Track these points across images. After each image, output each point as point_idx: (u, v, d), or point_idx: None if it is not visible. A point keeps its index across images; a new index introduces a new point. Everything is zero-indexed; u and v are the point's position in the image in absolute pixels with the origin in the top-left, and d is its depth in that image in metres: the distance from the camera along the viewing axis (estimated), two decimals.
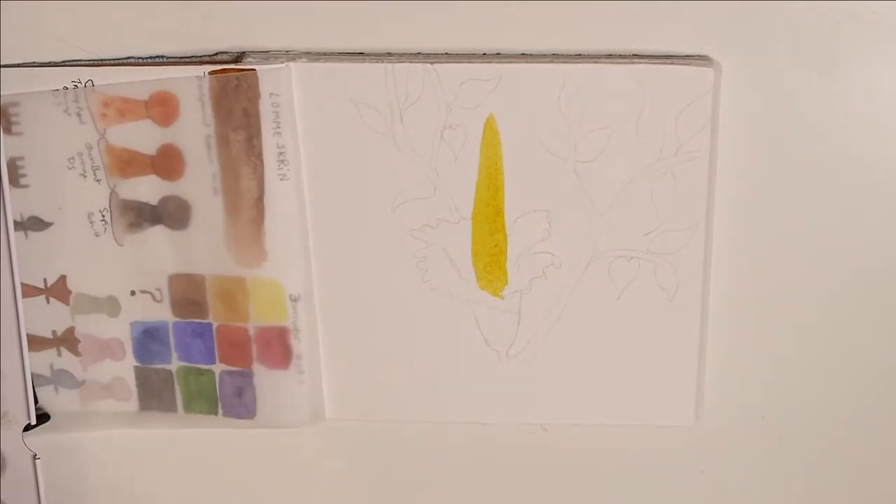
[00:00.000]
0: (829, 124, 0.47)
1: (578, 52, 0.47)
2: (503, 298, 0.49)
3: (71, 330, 0.50)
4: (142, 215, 0.48)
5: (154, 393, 0.52)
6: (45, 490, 0.48)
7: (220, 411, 0.52)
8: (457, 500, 0.53)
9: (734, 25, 0.46)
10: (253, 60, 0.46)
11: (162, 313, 0.50)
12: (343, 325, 0.50)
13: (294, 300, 0.49)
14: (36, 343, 0.50)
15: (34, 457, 0.48)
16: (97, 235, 0.49)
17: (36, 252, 0.49)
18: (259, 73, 0.46)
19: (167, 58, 0.47)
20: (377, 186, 0.48)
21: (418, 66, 0.46)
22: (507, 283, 0.49)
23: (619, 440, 0.52)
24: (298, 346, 0.50)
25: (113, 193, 0.48)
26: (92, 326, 0.50)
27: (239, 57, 0.47)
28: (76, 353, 0.50)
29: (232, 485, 0.54)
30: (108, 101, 0.47)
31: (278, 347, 0.50)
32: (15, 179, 0.47)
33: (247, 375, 0.51)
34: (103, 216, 0.48)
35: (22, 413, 0.48)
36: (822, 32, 0.46)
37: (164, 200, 0.48)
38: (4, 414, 0.48)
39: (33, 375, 0.50)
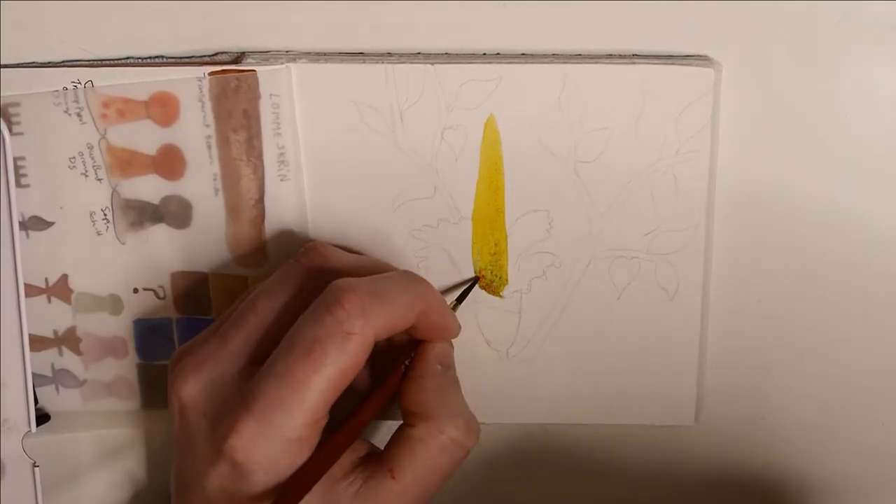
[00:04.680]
0: (829, 124, 0.47)
1: (578, 52, 0.47)
2: (503, 298, 0.49)
3: (72, 329, 0.50)
4: (143, 214, 0.48)
5: (157, 391, 0.52)
6: (44, 496, 0.48)
7: None
8: (457, 500, 0.53)
9: (734, 25, 0.46)
10: (253, 61, 0.46)
11: (165, 310, 0.50)
12: None
13: None
14: (37, 343, 0.50)
15: (34, 465, 0.48)
16: (99, 234, 0.49)
17: (37, 252, 0.49)
18: (259, 74, 0.46)
19: (167, 58, 0.47)
20: (377, 187, 0.48)
21: (418, 67, 0.46)
22: (507, 283, 0.49)
23: (619, 440, 0.52)
24: None
25: (114, 193, 0.48)
26: (94, 325, 0.50)
27: (239, 57, 0.47)
28: (77, 352, 0.50)
29: None
30: (109, 102, 0.47)
31: None
32: (16, 179, 0.48)
33: None
34: (105, 215, 0.48)
35: (23, 420, 0.48)
36: (822, 32, 0.45)
37: (166, 200, 0.48)
38: (4, 421, 0.48)
39: (34, 376, 0.50)
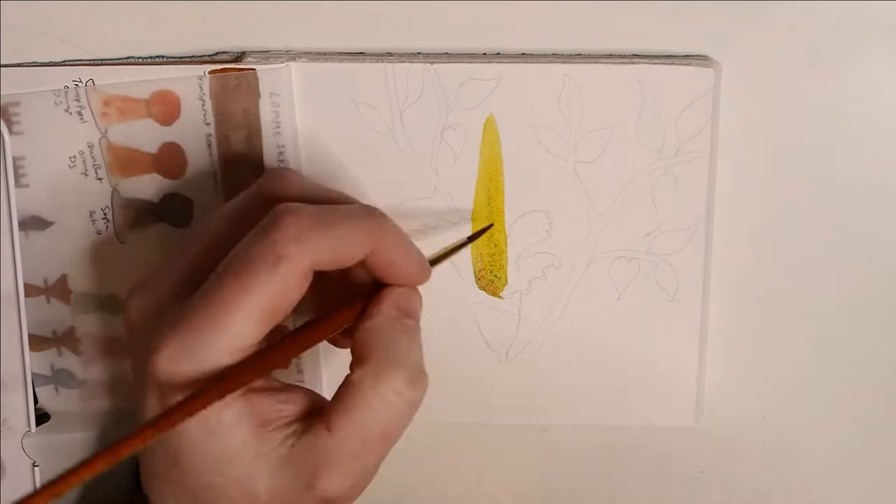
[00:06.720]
0: (829, 124, 0.47)
1: (578, 52, 0.47)
2: (503, 299, 0.49)
3: (71, 329, 0.50)
4: (143, 213, 0.48)
5: None
6: None
7: None
8: (457, 500, 0.53)
9: (734, 25, 0.46)
10: (253, 60, 0.46)
11: None
12: None
13: None
14: (36, 343, 0.50)
15: (34, 465, 0.48)
16: (99, 234, 0.49)
17: (36, 252, 0.49)
18: (259, 73, 0.46)
19: (167, 57, 0.47)
20: (377, 186, 0.48)
21: (418, 66, 0.46)
22: (507, 284, 0.49)
23: (619, 440, 0.52)
24: None
25: (114, 192, 0.48)
26: (93, 325, 0.50)
27: (239, 57, 0.47)
28: (77, 352, 0.50)
29: None
30: (109, 100, 0.47)
31: None
32: (16, 179, 0.47)
33: None
34: (105, 214, 0.48)
35: (22, 421, 0.48)
36: (822, 32, 0.45)
37: (166, 199, 0.48)
38: (4, 421, 0.48)
39: (33, 375, 0.50)
